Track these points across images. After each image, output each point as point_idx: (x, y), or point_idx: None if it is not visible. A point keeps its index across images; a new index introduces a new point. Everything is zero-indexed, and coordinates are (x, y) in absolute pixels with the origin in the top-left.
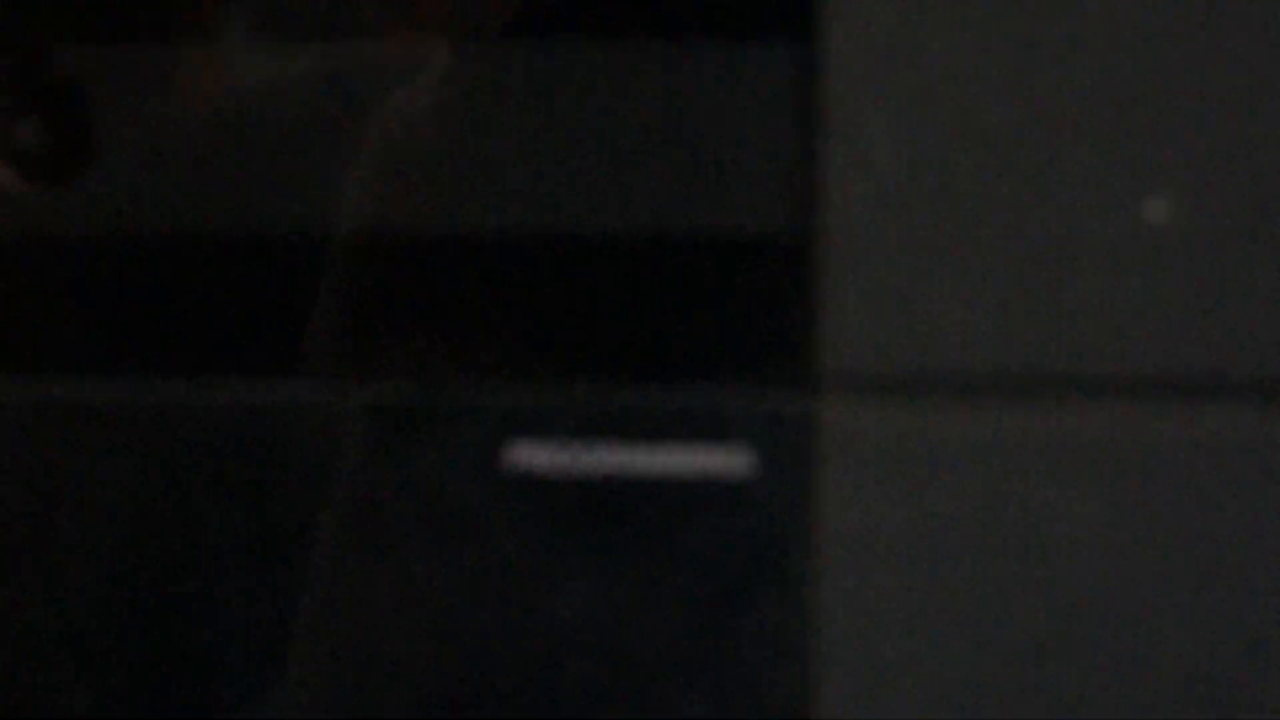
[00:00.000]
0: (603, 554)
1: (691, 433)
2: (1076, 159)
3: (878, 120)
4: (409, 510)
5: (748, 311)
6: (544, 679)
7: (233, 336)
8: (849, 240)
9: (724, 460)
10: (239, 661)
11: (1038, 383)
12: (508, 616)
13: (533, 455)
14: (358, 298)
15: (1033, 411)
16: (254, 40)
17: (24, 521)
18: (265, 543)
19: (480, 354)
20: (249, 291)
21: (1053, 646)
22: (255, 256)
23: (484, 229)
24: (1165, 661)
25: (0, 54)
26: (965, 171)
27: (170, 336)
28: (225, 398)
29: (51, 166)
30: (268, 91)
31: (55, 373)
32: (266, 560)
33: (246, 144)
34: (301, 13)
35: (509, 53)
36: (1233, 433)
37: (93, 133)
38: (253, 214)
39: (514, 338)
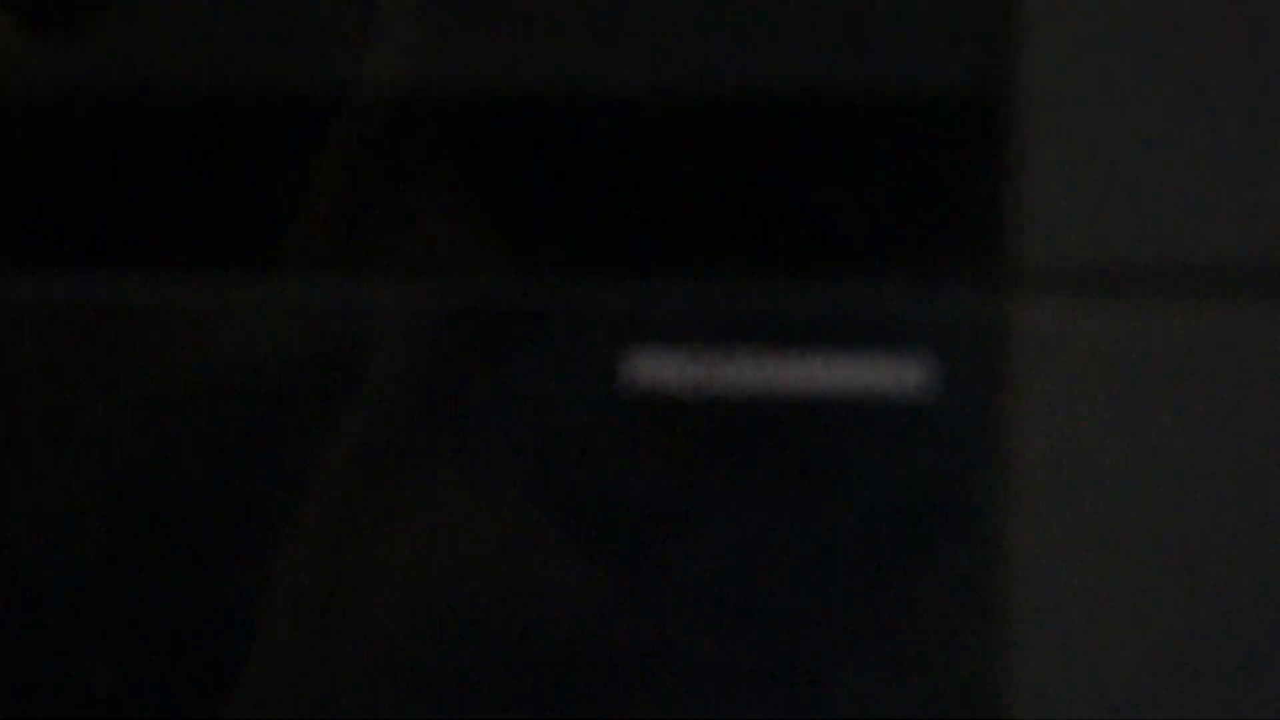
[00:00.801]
0: (745, 492)
1: (856, 340)
2: None
3: None
4: (498, 438)
5: (923, 190)
6: (671, 648)
7: (269, 223)
8: (1048, 102)
9: (897, 374)
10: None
11: (1273, 281)
12: (626, 572)
13: (656, 367)
14: (413, 174)
15: (1265, 314)
16: None
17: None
18: (300, 484)
19: (583, 245)
20: (285, 165)
21: None
22: (290, 123)
23: (581, 87)
24: None
25: None
26: (1192, 21)
27: (189, 223)
28: (260, 294)
29: (56, 12)
30: None
31: (54, 268)
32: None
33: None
34: None
35: None
36: None
37: None
38: (287, 71)
39: (626, 223)
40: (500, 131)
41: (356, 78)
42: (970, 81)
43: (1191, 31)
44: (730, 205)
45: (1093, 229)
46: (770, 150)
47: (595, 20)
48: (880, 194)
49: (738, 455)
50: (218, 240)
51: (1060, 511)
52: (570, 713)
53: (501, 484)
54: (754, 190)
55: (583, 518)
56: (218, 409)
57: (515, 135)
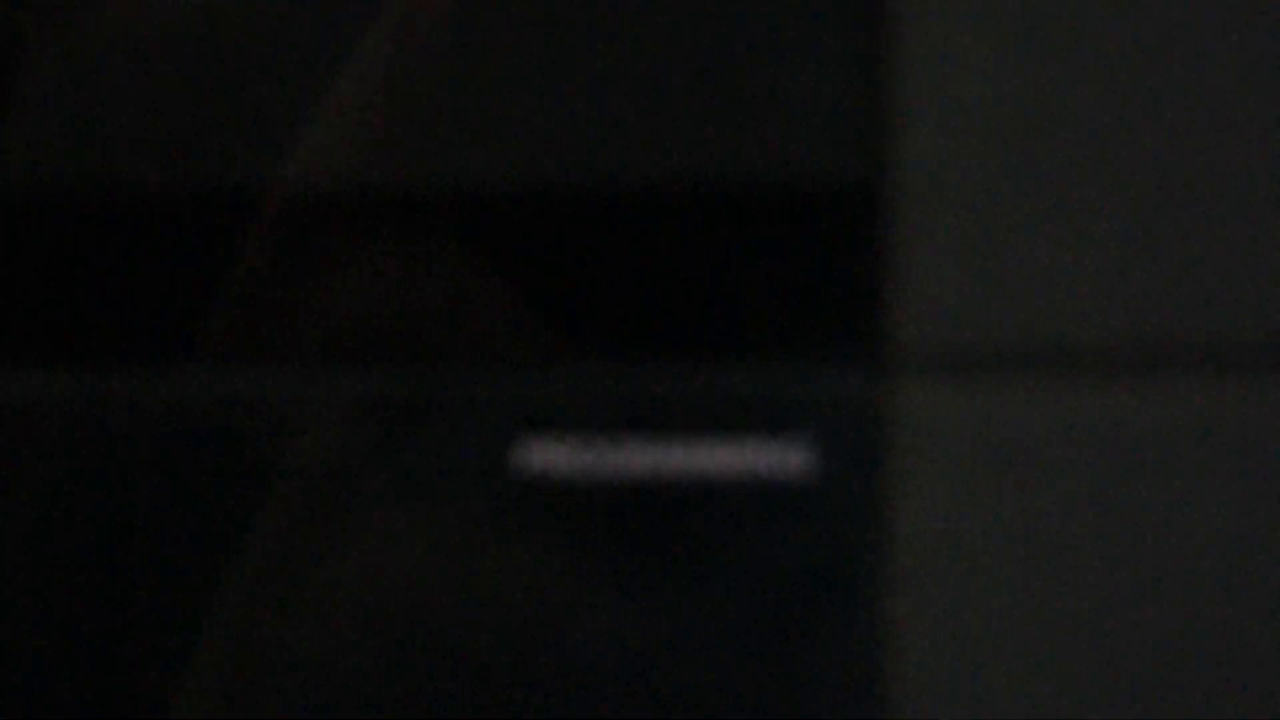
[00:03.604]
0: (634, 572)
1: (740, 423)
2: (1203, 89)
3: (960, 41)
4: (395, 522)
5: (802, 275)
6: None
7: (185, 316)
8: (925, 187)
9: (779, 456)
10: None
11: (1150, 357)
12: (519, 650)
13: (547, 454)
14: (315, 264)
15: (1145, 391)
16: None
17: None
18: (212, 556)
19: (482, 334)
20: (197, 260)
21: (1177, 670)
22: (198, 218)
23: (484, 180)
24: None
25: None
26: (1066, 105)
27: (104, 316)
28: (171, 388)
29: None
30: (214, 10)
31: None
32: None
33: (191, 75)
34: None
35: None
36: None
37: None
38: (199, 166)
39: (522, 312)
40: (394, 224)
41: (259, 174)
42: (847, 168)
43: (1064, 116)
44: (613, 293)
45: (970, 311)
46: (651, 237)
47: (478, 116)
48: (759, 279)
49: (625, 539)
50: (116, 332)
51: (941, 592)
52: None
53: (396, 569)
54: (636, 277)
55: (474, 602)
56: (119, 497)
57: (408, 227)
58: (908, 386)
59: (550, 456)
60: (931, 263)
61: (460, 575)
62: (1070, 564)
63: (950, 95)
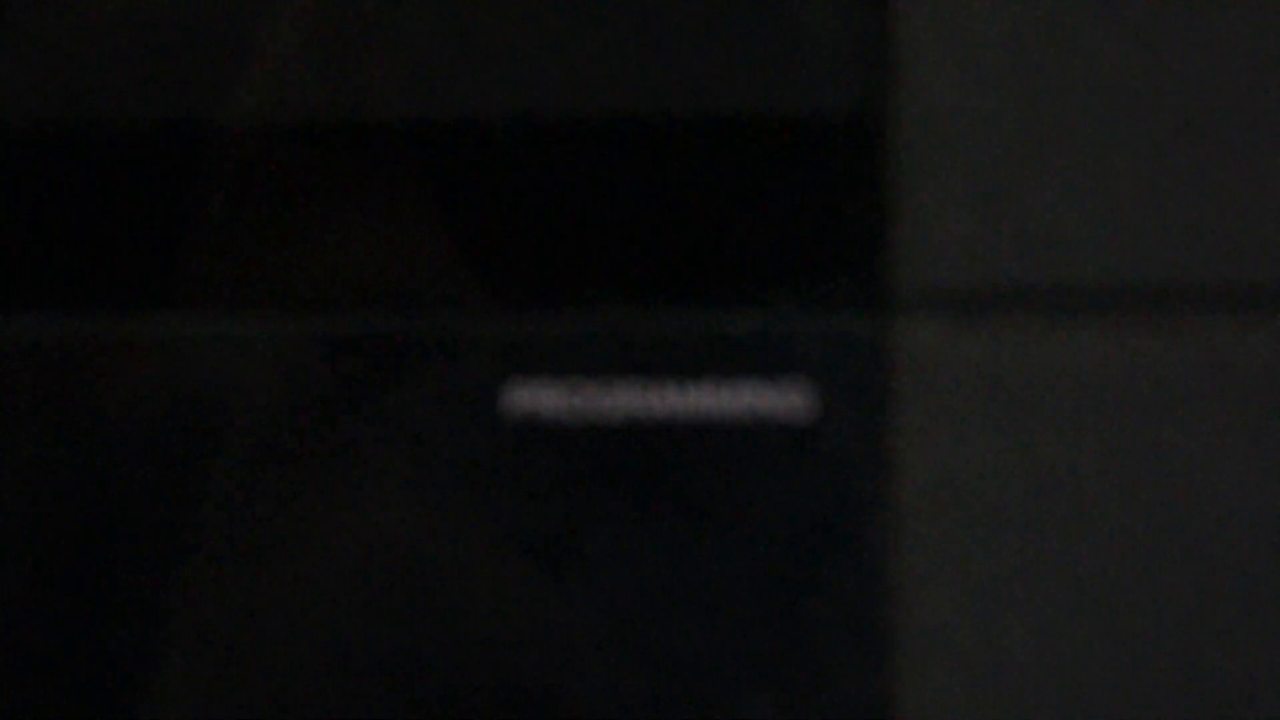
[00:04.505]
0: (627, 520)
1: (738, 366)
2: (1215, 24)
3: None
4: (381, 468)
5: (802, 215)
6: (555, 682)
7: (158, 258)
8: (926, 125)
9: (779, 398)
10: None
11: (1154, 297)
12: (508, 601)
13: (538, 397)
14: (293, 205)
15: (1148, 331)
16: None
17: None
18: (191, 508)
19: (469, 274)
20: (161, 199)
21: (1182, 622)
22: (164, 157)
23: (468, 112)
24: None
25: None
26: (1075, 37)
27: (77, 259)
28: (150, 331)
29: None
30: None
31: None
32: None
33: (172, 18)
34: None
35: None
36: None
37: None
38: (174, 104)
39: (512, 251)
40: (377, 160)
41: (225, 108)
42: (848, 105)
43: (1071, 53)
44: (608, 233)
45: (972, 251)
46: (648, 175)
47: (468, 44)
48: (759, 219)
49: (620, 484)
50: (92, 277)
51: (944, 533)
52: None
53: (385, 515)
54: (631, 217)
55: (465, 549)
56: (99, 444)
57: (391, 164)
58: (909, 327)
59: (542, 400)
60: (933, 202)
61: (450, 523)
62: (1073, 505)
63: (954, 36)
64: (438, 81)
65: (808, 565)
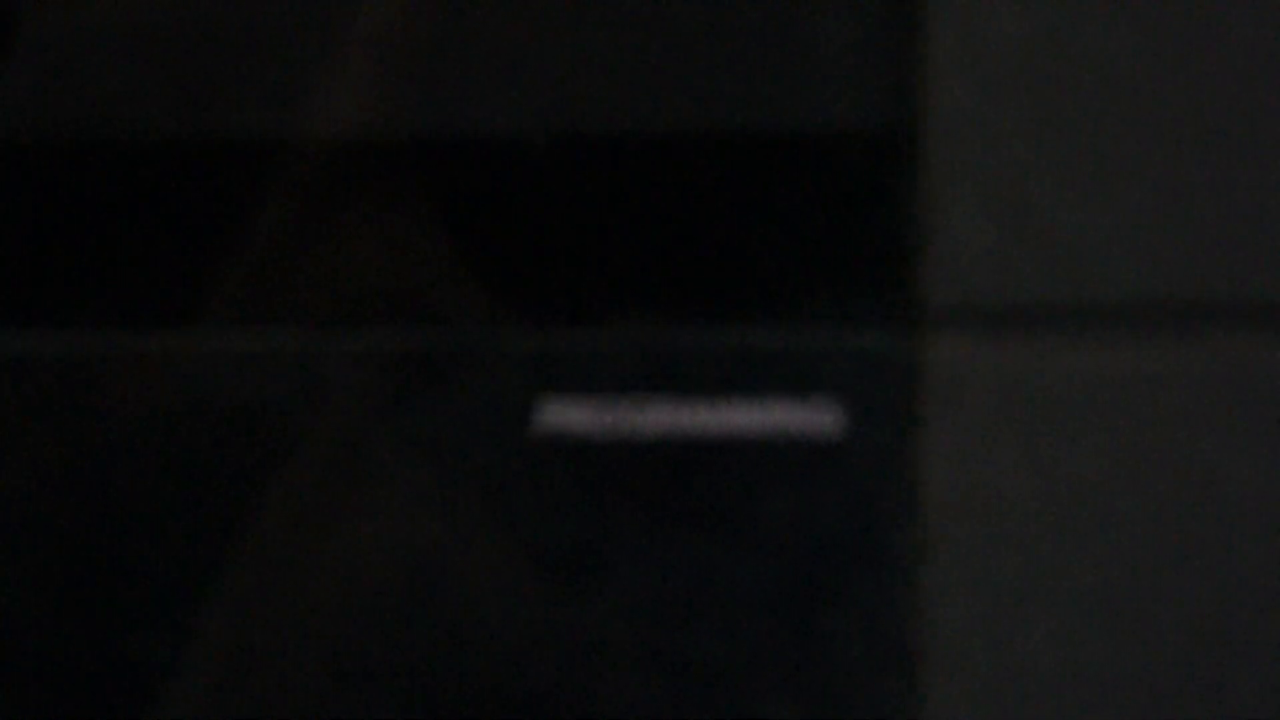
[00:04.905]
0: (656, 534)
1: (768, 383)
2: (1240, 41)
3: None
4: (414, 481)
5: (836, 232)
6: (582, 688)
7: (199, 275)
8: (957, 142)
9: (809, 416)
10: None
11: (1179, 313)
12: (538, 611)
13: (569, 413)
14: (336, 218)
15: (1174, 347)
16: None
17: None
18: (225, 519)
19: (502, 290)
20: (192, 214)
21: (1205, 633)
22: (216, 170)
23: (506, 132)
24: None
25: None
26: (1102, 58)
27: (115, 277)
28: (187, 347)
29: None
30: None
31: None
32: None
33: (208, 33)
34: None
35: None
36: None
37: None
38: (216, 118)
39: (544, 268)
40: (410, 177)
41: (265, 123)
42: (878, 124)
43: (1097, 73)
44: (639, 250)
45: (998, 268)
46: (679, 194)
47: (509, 62)
48: (788, 236)
49: (650, 499)
50: (123, 293)
51: (970, 547)
52: None
53: (415, 528)
54: (663, 235)
55: (496, 562)
56: (140, 458)
57: (424, 181)
58: (937, 343)
59: (573, 416)
60: (961, 221)
61: (481, 537)
62: (1098, 519)
63: (983, 55)
64: (475, 99)
65: (836, 579)
